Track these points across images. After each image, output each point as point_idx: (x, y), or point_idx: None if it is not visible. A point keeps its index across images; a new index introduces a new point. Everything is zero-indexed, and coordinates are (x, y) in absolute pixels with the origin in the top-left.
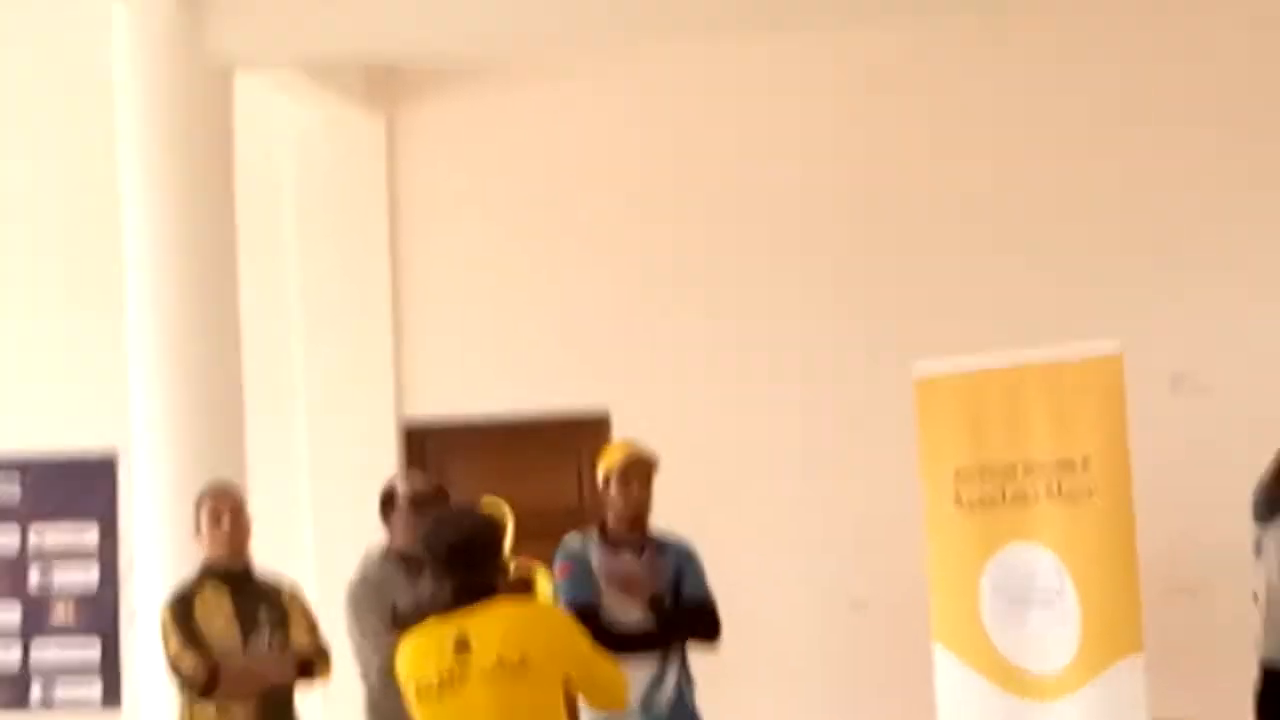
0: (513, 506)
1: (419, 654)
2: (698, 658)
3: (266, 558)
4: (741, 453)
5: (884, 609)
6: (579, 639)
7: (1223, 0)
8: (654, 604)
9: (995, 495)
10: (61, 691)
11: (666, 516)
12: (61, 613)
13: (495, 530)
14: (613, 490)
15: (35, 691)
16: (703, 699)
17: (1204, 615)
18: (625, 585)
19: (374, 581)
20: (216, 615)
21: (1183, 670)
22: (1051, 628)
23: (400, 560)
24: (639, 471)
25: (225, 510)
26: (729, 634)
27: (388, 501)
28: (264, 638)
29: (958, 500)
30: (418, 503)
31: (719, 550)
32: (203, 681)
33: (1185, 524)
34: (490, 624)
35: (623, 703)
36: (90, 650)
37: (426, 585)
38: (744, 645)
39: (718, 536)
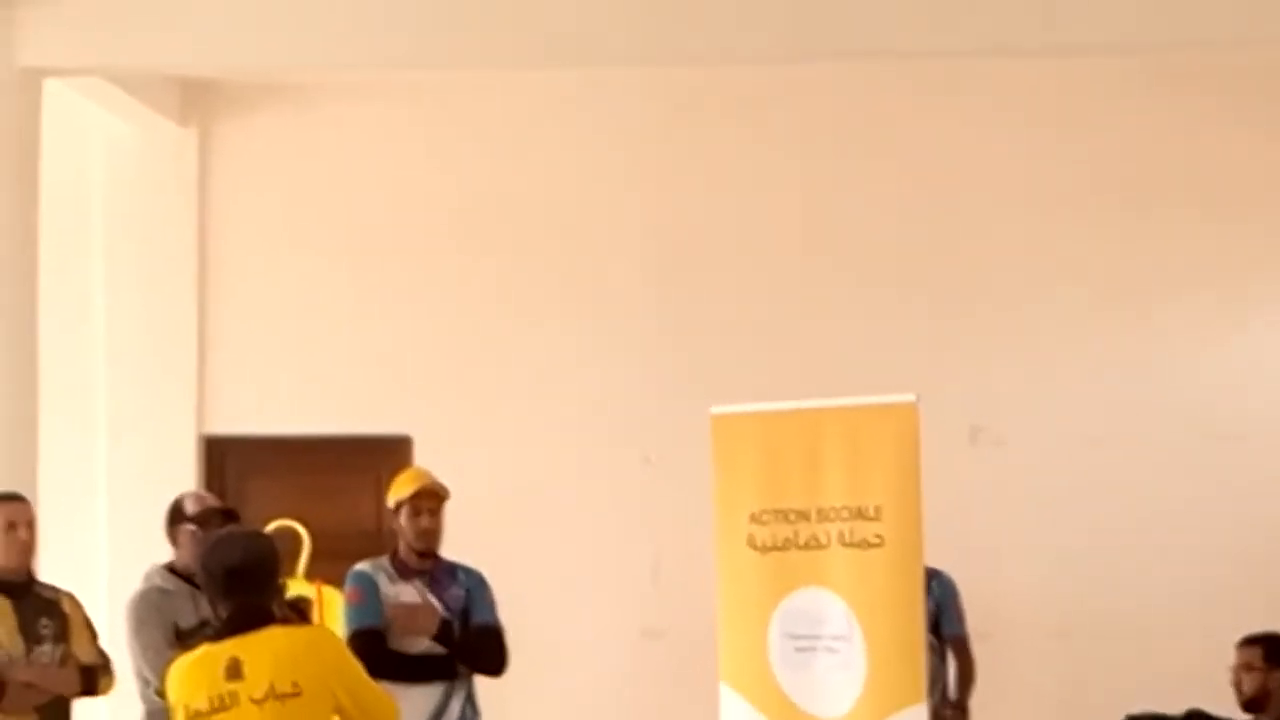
0: (310, 526)
1: (190, 678)
2: (486, 685)
3: (58, 570)
4: (540, 482)
5: (676, 641)
6: (352, 667)
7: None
8: (442, 631)
9: (788, 539)
10: None
11: (462, 543)
12: None
13: (273, 555)
14: (403, 519)
15: None
16: None
17: (995, 658)
18: (408, 618)
19: (155, 599)
20: (0, 625)
21: (977, 713)
22: (837, 673)
23: (184, 579)
24: (429, 502)
25: (15, 521)
26: (520, 662)
27: (175, 518)
28: (46, 649)
29: (750, 541)
30: (204, 521)
31: (513, 578)
32: None
33: (978, 571)
34: (263, 650)
35: None
36: None
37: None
38: (535, 674)
39: (513, 564)
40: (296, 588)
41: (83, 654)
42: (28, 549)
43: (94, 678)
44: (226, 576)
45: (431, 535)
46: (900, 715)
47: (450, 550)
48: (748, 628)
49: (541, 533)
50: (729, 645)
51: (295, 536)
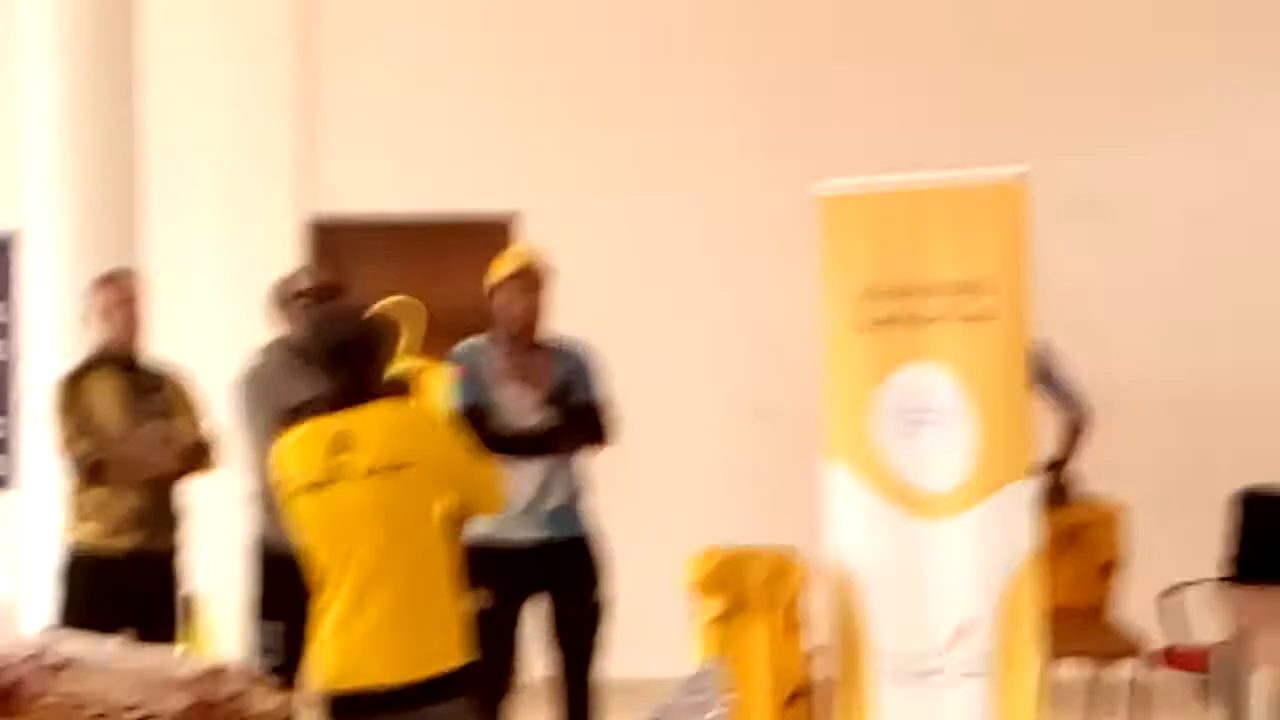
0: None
1: (297, 454)
2: (592, 465)
3: (164, 350)
4: (647, 261)
5: (785, 421)
6: (458, 442)
7: None
8: (549, 400)
9: (895, 316)
10: None
11: (568, 323)
12: None
13: (381, 330)
14: (502, 299)
15: None
16: (598, 503)
17: (1107, 434)
18: (524, 376)
19: (263, 376)
20: (106, 401)
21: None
22: (945, 448)
23: (292, 355)
24: (525, 282)
25: (121, 298)
26: (629, 442)
27: (285, 294)
28: (152, 426)
29: (857, 319)
30: (313, 296)
31: (621, 358)
32: (90, 470)
33: (1088, 346)
34: (371, 424)
35: (500, 506)
36: None
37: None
38: (643, 453)
39: (620, 344)
40: (405, 363)
41: (187, 432)
42: (135, 324)
43: (197, 456)
44: (335, 350)
45: (530, 313)
46: (1009, 489)
47: (558, 328)
48: (855, 405)
49: (651, 311)
50: (837, 423)
51: (411, 310)
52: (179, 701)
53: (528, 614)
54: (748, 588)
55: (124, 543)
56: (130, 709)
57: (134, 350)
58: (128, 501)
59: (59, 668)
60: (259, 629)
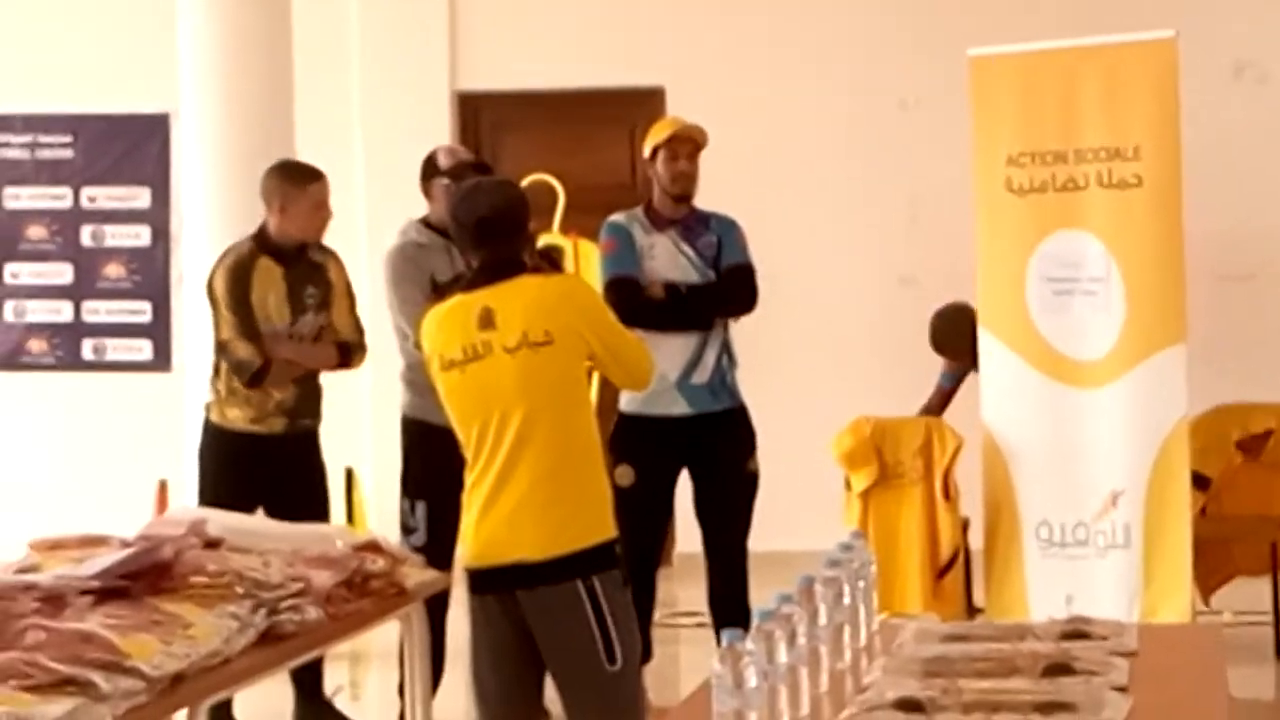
0: (564, 180)
1: (443, 328)
2: (741, 335)
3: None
4: (795, 132)
5: (933, 288)
6: (604, 314)
7: None
8: (670, 295)
9: (1046, 181)
10: (112, 352)
11: (717, 194)
12: (113, 273)
13: (524, 204)
14: (659, 164)
15: (87, 350)
16: (745, 376)
17: (1257, 301)
18: (675, 243)
19: (410, 252)
20: (270, 293)
21: (1233, 355)
22: (1096, 315)
23: (438, 232)
24: (685, 146)
25: (319, 201)
26: (776, 311)
27: (428, 172)
28: (309, 318)
29: (1008, 184)
30: (457, 173)
31: (769, 228)
32: (255, 373)
33: (1239, 212)
34: (515, 299)
35: (645, 381)
36: (141, 312)
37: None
38: (791, 322)
39: (770, 214)
40: (550, 240)
41: (341, 324)
42: (323, 230)
43: (349, 353)
44: (477, 226)
45: (687, 179)
46: (1160, 356)
47: (705, 201)
48: (1005, 272)
49: (798, 182)
50: (986, 290)
51: (550, 190)
52: (329, 578)
53: (678, 487)
54: (899, 458)
55: (271, 427)
56: (280, 585)
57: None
58: (278, 395)
59: (211, 544)
60: (405, 506)
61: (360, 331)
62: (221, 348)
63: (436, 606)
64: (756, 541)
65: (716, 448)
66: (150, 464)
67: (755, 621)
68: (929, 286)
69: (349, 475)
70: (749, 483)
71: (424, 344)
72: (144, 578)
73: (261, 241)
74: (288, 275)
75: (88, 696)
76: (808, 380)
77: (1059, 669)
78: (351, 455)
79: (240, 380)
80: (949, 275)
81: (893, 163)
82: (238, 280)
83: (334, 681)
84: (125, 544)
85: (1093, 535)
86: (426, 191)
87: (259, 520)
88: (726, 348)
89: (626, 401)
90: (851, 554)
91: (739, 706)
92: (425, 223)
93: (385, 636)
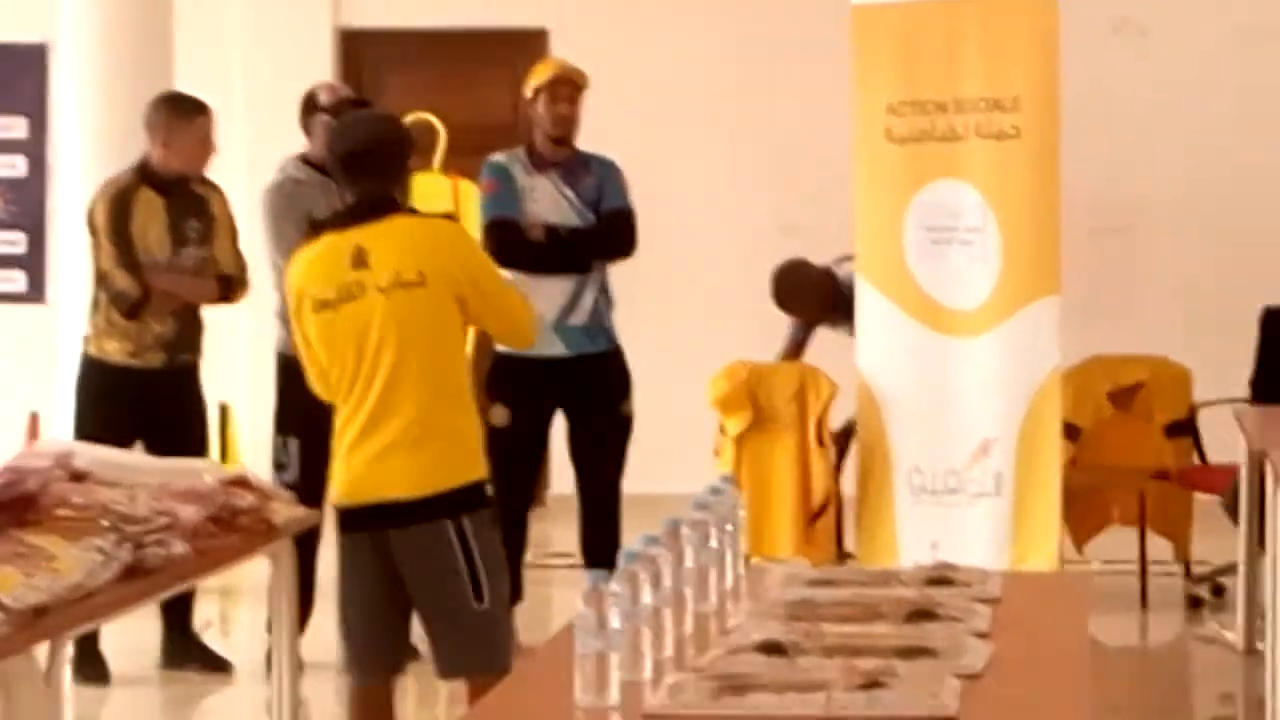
0: (446, 120)
1: (315, 267)
2: (620, 278)
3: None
4: (677, 77)
5: (812, 236)
6: (482, 262)
7: None
8: (550, 238)
9: (925, 130)
10: None
11: (598, 138)
12: None
13: (401, 138)
14: (540, 107)
15: None
16: (622, 319)
17: (1131, 254)
18: (555, 185)
19: (288, 189)
20: (151, 224)
21: (1107, 308)
22: (972, 265)
23: (317, 169)
24: (566, 89)
25: (204, 135)
26: (656, 256)
27: (309, 108)
28: (191, 251)
29: (888, 134)
30: (337, 110)
31: (650, 173)
32: (134, 303)
33: (1116, 166)
34: (388, 238)
35: (527, 338)
36: (16, 243)
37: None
38: (670, 268)
39: (650, 159)
40: (430, 182)
41: (223, 258)
42: (206, 163)
43: (230, 286)
44: (352, 158)
45: (568, 122)
46: (1034, 306)
47: (587, 144)
48: (883, 221)
49: (680, 127)
50: (865, 239)
51: (431, 129)
52: (196, 513)
53: (551, 429)
54: (774, 403)
55: (149, 361)
56: (146, 519)
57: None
58: (157, 328)
59: (78, 477)
60: (278, 443)
61: (242, 266)
62: (101, 278)
63: (307, 544)
64: (630, 484)
65: (592, 390)
66: (22, 397)
67: (621, 564)
68: (808, 234)
69: (224, 411)
70: (623, 425)
71: (291, 284)
72: (8, 510)
73: (143, 173)
74: (169, 207)
75: None
76: (685, 325)
77: (922, 614)
78: (227, 391)
79: (119, 311)
80: (827, 223)
81: (774, 111)
82: (118, 211)
83: (203, 616)
84: None
85: (964, 483)
86: (306, 128)
87: (127, 454)
88: (604, 290)
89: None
90: (719, 498)
91: (601, 648)
92: (304, 160)
93: (255, 572)
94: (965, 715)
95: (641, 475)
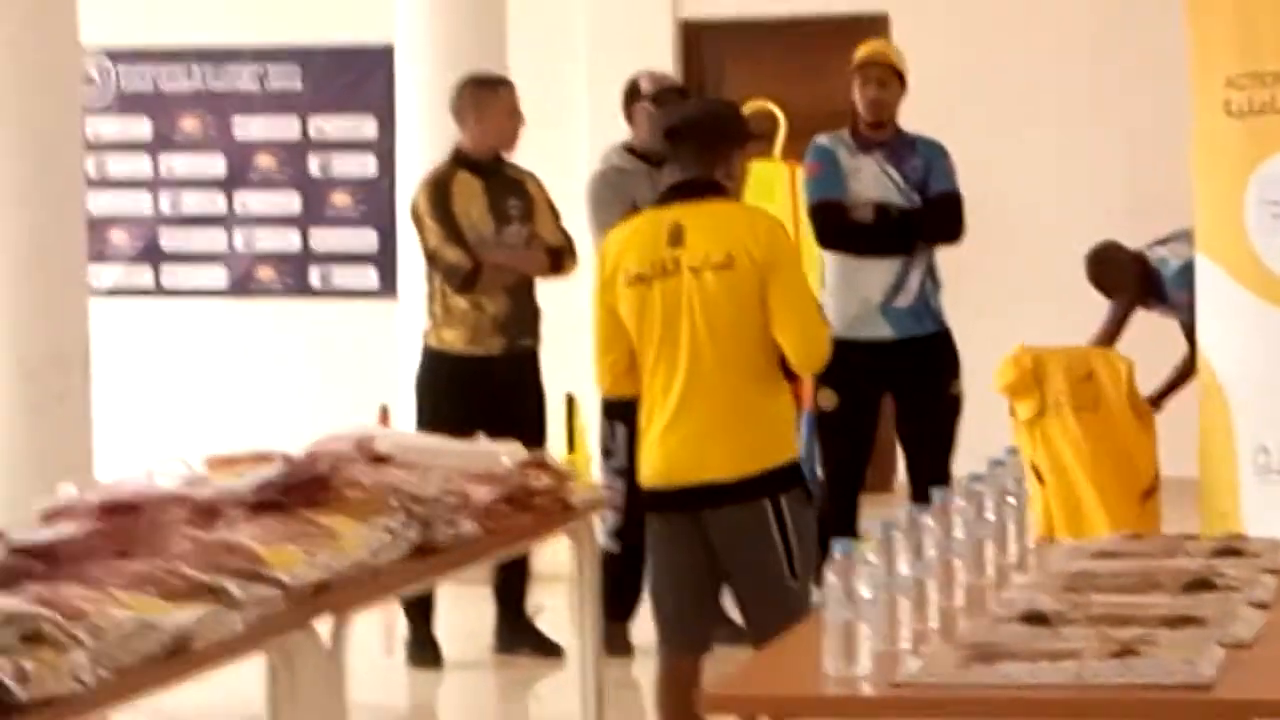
0: (787, 108)
1: (631, 242)
2: (949, 263)
3: (539, 155)
4: (1015, 59)
5: (1150, 218)
6: (792, 259)
7: None
8: (879, 217)
9: (1265, 103)
10: (339, 279)
11: (934, 124)
12: (339, 202)
13: (728, 119)
14: (855, 89)
15: (314, 278)
16: (954, 302)
17: None
18: (880, 166)
19: (612, 177)
20: (472, 205)
21: None
22: None
23: (641, 158)
24: (877, 71)
25: (510, 107)
26: (986, 241)
27: (631, 96)
28: (514, 228)
29: (1227, 107)
30: (660, 99)
31: (982, 158)
32: (466, 276)
33: None
34: (705, 217)
35: (815, 354)
36: (367, 239)
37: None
38: (998, 253)
39: (982, 144)
40: (770, 170)
41: (547, 234)
42: (516, 137)
43: (560, 258)
44: (675, 134)
45: (879, 106)
46: None
47: (922, 126)
48: (1224, 198)
49: (1016, 110)
50: (1205, 215)
51: (771, 117)
52: (489, 493)
53: (880, 412)
54: (1060, 387)
55: (489, 348)
56: (435, 499)
57: (497, 153)
58: (492, 308)
59: (379, 460)
60: (605, 429)
61: (569, 238)
62: (431, 258)
63: (635, 529)
64: (960, 466)
65: (920, 372)
66: (374, 389)
67: (877, 535)
68: (1147, 216)
69: (569, 401)
70: (952, 406)
71: (606, 255)
72: (299, 491)
73: (458, 158)
74: (487, 188)
75: (221, 604)
76: (1015, 306)
77: (1200, 584)
78: (572, 381)
79: (452, 286)
80: (1168, 204)
81: (1113, 95)
82: (438, 192)
83: (536, 602)
84: (288, 460)
85: None
86: (629, 116)
87: (431, 438)
88: (931, 271)
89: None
90: (998, 470)
91: (850, 617)
92: (628, 148)
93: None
94: (1224, 683)
95: (972, 458)
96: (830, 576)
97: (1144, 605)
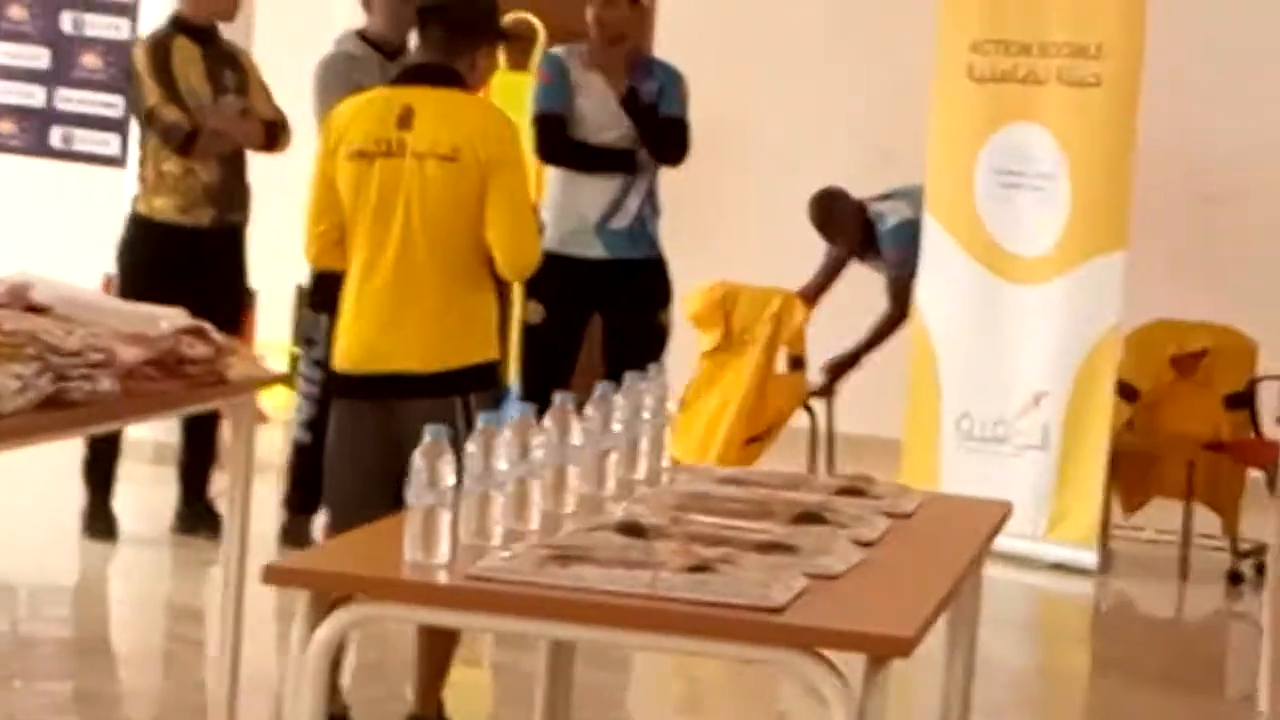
0: (547, 22)
1: (360, 116)
2: (669, 185)
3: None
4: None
5: (885, 174)
6: (517, 159)
7: None
8: (628, 106)
9: (1007, 71)
10: (80, 142)
11: (677, 51)
12: (89, 63)
13: (482, 14)
14: (593, 7)
15: (55, 138)
16: (670, 232)
17: (1215, 217)
18: (608, 82)
19: (341, 64)
20: (190, 70)
21: (1183, 269)
22: (1040, 212)
23: (374, 46)
24: None
25: None
26: (716, 172)
27: None
28: (230, 99)
29: (969, 72)
30: None
31: (731, 89)
32: (186, 137)
33: (1199, 127)
34: (437, 105)
35: (522, 262)
36: (113, 105)
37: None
38: (728, 186)
39: (733, 76)
40: (523, 84)
41: (263, 109)
42: (239, 6)
43: (275, 133)
44: (428, 16)
45: (601, 24)
46: (1100, 260)
47: (677, 57)
48: (957, 160)
49: (763, 49)
50: (936, 179)
51: (530, 28)
52: (136, 355)
53: (585, 330)
54: (746, 324)
55: (198, 218)
56: (76, 353)
57: (212, 24)
58: (205, 175)
59: (34, 309)
60: (309, 319)
61: (283, 115)
62: (149, 117)
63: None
64: None
65: (630, 295)
66: (102, 259)
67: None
68: (881, 171)
69: (300, 291)
70: (659, 335)
71: (331, 125)
72: None
73: (177, 22)
74: (205, 55)
75: None
76: (736, 241)
77: (810, 518)
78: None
79: (170, 147)
80: (902, 162)
81: (865, 44)
82: (158, 53)
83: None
84: None
85: (1012, 433)
86: (366, 3)
87: (94, 294)
88: (651, 196)
89: (545, 240)
90: (640, 387)
91: (432, 503)
92: (362, 35)
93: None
94: (794, 609)
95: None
96: (418, 459)
97: (747, 530)
